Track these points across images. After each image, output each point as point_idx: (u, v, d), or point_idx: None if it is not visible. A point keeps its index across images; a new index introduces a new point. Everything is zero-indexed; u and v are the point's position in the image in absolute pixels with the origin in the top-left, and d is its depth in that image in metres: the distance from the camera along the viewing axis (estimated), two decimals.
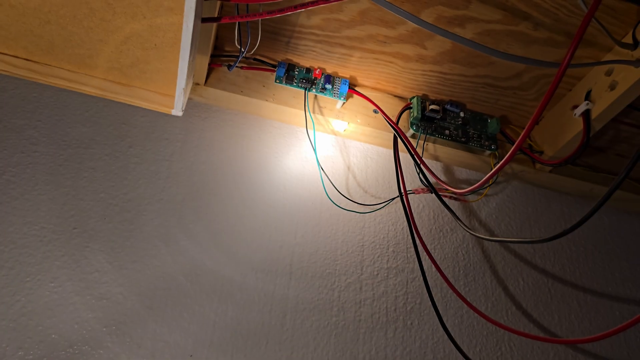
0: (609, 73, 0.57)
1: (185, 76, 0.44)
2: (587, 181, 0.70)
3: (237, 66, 0.59)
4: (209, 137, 0.60)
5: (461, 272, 0.62)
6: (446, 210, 0.63)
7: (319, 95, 0.62)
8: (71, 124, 0.56)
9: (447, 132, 0.65)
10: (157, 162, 0.57)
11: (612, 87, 0.56)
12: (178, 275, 0.52)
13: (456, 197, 0.66)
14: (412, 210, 0.58)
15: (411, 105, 0.65)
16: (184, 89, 0.46)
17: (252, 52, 0.60)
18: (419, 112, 0.63)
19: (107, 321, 0.48)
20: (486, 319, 0.55)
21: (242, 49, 0.55)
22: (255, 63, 0.62)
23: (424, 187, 0.63)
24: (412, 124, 0.64)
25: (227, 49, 0.61)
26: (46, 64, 0.46)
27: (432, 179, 0.62)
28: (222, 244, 0.55)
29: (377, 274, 0.59)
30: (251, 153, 0.61)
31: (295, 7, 0.45)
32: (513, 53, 0.56)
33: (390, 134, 0.64)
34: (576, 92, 0.62)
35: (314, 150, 0.63)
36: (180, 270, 0.52)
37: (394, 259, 0.60)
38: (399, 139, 0.61)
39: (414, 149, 0.60)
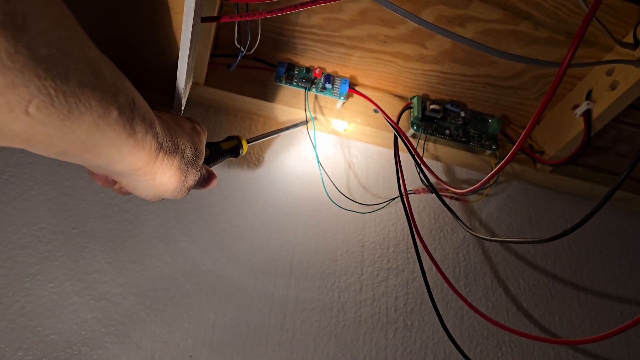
0: (609, 73, 0.57)
1: (184, 76, 0.44)
2: (588, 181, 0.70)
3: (236, 66, 0.59)
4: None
5: (462, 272, 0.62)
6: (447, 211, 0.63)
7: (319, 94, 0.62)
8: None
9: (447, 131, 0.64)
10: None
11: (613, 87, 0.56)
12: (177, 275, 0.52)
13: (457, 197, 0.66)
14: (413, 211, 0.58)
15: (411, 105, 0.65)
16: (183, 88, 0.46)
17: (252, 51, 0.60)
18: (420, 111, 0.63)
19: (107, 321, 0.47)
20: (487, 319, 0.55)
21: (242, 49, 0.55)
22: (255, 62, 0.62)
23: (424, 187, 0.63)
24: (412, 124, 0.64)
25: (226, 48, 0.61)
26: None
27: (432, 179, 0.62)
28: (221, 244, 0.55)
29: (378, 275, 0.58)
30: (251, 153, 0.61)
31: (295, 7, 0.45)
32: (514, 52, 0.56)
33: (390, 134, 0.64)
34: (577, 91, 0.62)
35: (314, 150, 0.63)
36: (179, 270, 0.52)
37: (395, 259, 0.60)
38: (399, 139, 0.61)
39: (415, 149, 0.60)
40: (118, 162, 0.32)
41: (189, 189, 0.41)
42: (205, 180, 0.44)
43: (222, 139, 0.53)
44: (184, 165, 0.38)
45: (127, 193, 0.41)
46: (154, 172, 0.35)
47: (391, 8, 0.43)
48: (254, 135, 0.58)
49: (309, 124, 0.62)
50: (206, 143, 0.45)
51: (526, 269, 0.65)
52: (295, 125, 0.61)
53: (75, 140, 0.27)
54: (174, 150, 0.36)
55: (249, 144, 0.54)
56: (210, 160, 0.49)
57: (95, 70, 0.26)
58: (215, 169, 0.58)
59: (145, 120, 0.32)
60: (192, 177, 0.40)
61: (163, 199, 0.40)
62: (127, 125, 0.30)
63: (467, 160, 0.68)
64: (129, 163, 0.33)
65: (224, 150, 0.51)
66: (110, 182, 0.41)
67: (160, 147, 0.34)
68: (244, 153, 0.53)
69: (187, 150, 0.39)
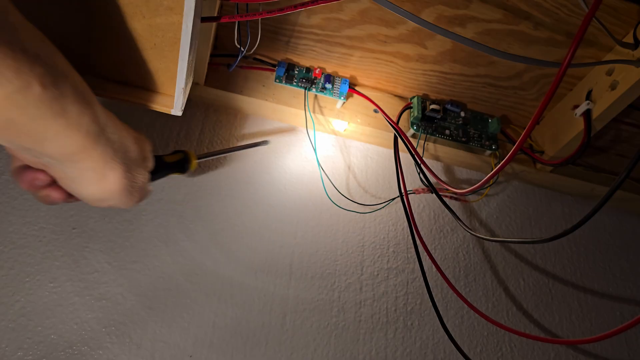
0: (609, 73, 0.57)
1: (184, 76, 0.44)
2: (588, 181, 0.70)
3: (236, 66, 0.59)
4: (208, 137, 0.60)
5: (462, 272, 0.62)
6: (447, 211, 0.63)
7: (319, 94, 0.62)
8: None
9: (447, 131, 0.64)
10: None
11: (613, 87, 0.56)
12: (178, 275, 0.52)
13: (457, 197, 0.66)
14: (413, 211, 0.58)
15: (411, 105, 0.65)
16: (183, 88, 0.46)
17: (252, 51, 0.60)
18: (420, 111, 0.63)
19: (107, 322, 0.47)
20: (487, 319, 0.55)
21: (242, 49, 0.55)
22: (255, 62, 0.62)
23: (424, 187, 0.63)
24: (412, 124, 0.64)
25: (226, 48, 0.61)
26: None
27: (432, 179, 0.62)
28: (222, 244, 0.55)
29: (378, 275, 0.58)
30: (251, 153, 0.61)
31: (295, 7, 0.45)
32: (514, 52, 0.56)
33: (390, 134, 0.64)
34: (577, 91, 0.62)
35: (314, 150, 0.63)
36: (180, 270, 0.52)
37: (395, 259, 0.60)
38: (399, 139, 0.61)
39: (415, 149, 0.60)
40: (44, 142, 0.29)
41: (140, 193, 0.37)
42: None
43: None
44: (129, 162, 0.35)
45: (56, 200, 0.36)
46: (93, 159, 0.32)
47: (391, 8, 0.43)
48: (208, 151, 0.54)
49: (304, 129, 0.62)
50: None
51: (526, 269, 0.65)
52: (255, 144, 0.57)
53: None
54: (117, 140, 0.33)
55: (199, 160, 0.50)
56: (153, 173, 0.44)
57: (11, 39, 0.24)
58: (216, 166, 0.58)
59: (80, 100, 0.29)
60: (141, 178, 0.37)
61: (110, 205, 0.37)
62: (55, 104, 0.27)
63: (467, 160, 0.68)
64: (60, 146, 0.30)
65: (168, 163, 0.47)
66: (37, 186, 0.36)
67: (100, 133, 0.31)
68: (192, 169, 0.50)
69: (133, 147, 0.36)
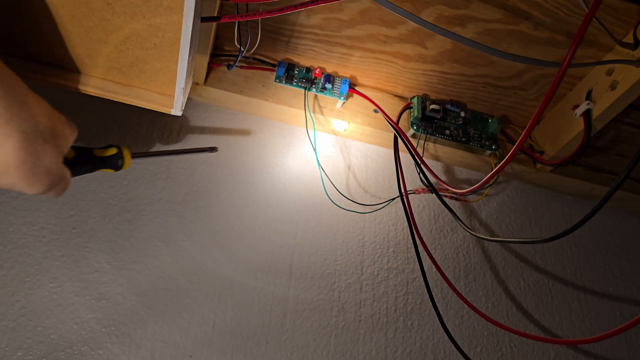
0: (609, 73, 0.57)
1: (184, 76, 0.44)
2: (588, 181, 0.70)
3: (236, 66, 0.59)
4: (208, 137, 0.60)
5: (462, 272, 0.62)
6: (447, 211, 0.63)
7: (319, 94, 0.62)
8: None
9: (447, 131, 0.64)
10: (156, 162, 0.57)
11: (613, 87, 0.56)
12: (178, 275, 0.52)
13: (457, 197, 0.66)
14: (413, 210, 0.58)
15: (411, 105, 0.65)
16: (183, 88, 0.46)
17: (252, 51, 0.60)
18: (420, 111, 0.63)
19: (107, 321, 0.47)
20: (487, 319, 0.55)
21: (242, 49, 0.55)
22: (255, 62, 0.62)
23: (424, 187, 0.63)
24: (412, 124, 0.64)
25: (226, 48, 0.61)
26: (45, 65, 0.46)
27: (432, 179, 0.62)
28: (221, 244, 0.55)
29: (378, 275, 0.58)
30: (251, 153, 0.61)
31: (295, 7, 0.45)
32: (514, 52, 0.56)
33: (390, 134, 0.64)
34: (577, 91, 0.62)
35: (314, 150, 0.63)
36: (179, 270, 0.52)
37: (394, 259, 0.60)
38: (399, 139, 0.61)
39: (415, 149, 0.60)
40: None
41: (49, 178, 0.33)
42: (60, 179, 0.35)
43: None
44: (31, 132, 0.30)
45: None
46: None
47: (391, 8, 0.43)
48: (147, 151, 0.51)
49: (310, 128, 0.62)
50: (77, 147, 0.39)
51: (526, 269, 0.65)
52: (202, 150, 0.54)
53: None
54: (16, 104, 0.29)
55: (134, 159, 0.46)
56: (76, 164, 0.40)
57: None
58: (216, 166, 0.58)
59: None
60: (48, 157, 0.32)
61: (10, 184, 0.31)
62: None
63: (467, 160, 0.68)
64: None
65: (96, 157, 0.43)
66: None
67: None
68: (125, 166, 0.46)
69: (41, 119, 0.31)
